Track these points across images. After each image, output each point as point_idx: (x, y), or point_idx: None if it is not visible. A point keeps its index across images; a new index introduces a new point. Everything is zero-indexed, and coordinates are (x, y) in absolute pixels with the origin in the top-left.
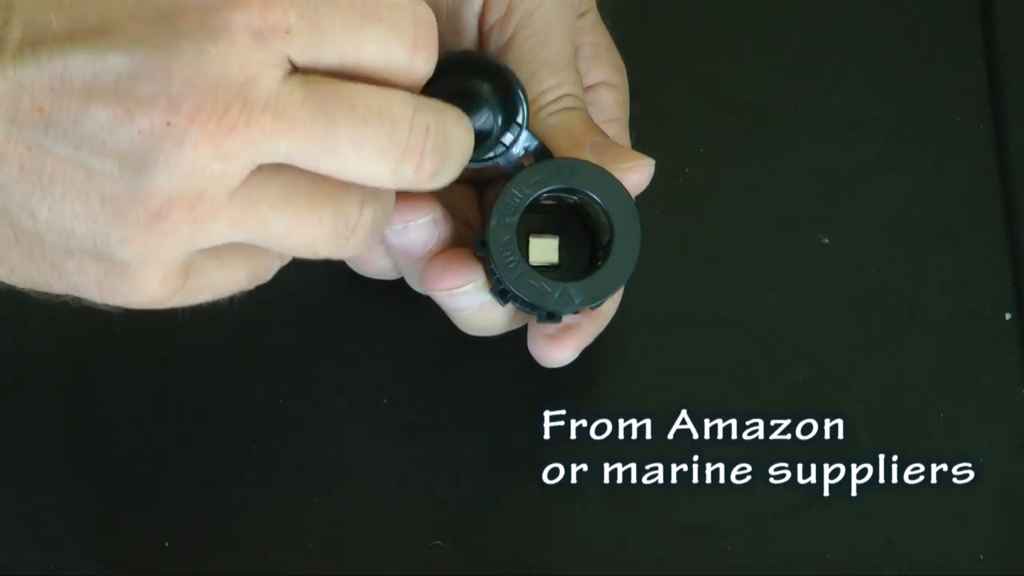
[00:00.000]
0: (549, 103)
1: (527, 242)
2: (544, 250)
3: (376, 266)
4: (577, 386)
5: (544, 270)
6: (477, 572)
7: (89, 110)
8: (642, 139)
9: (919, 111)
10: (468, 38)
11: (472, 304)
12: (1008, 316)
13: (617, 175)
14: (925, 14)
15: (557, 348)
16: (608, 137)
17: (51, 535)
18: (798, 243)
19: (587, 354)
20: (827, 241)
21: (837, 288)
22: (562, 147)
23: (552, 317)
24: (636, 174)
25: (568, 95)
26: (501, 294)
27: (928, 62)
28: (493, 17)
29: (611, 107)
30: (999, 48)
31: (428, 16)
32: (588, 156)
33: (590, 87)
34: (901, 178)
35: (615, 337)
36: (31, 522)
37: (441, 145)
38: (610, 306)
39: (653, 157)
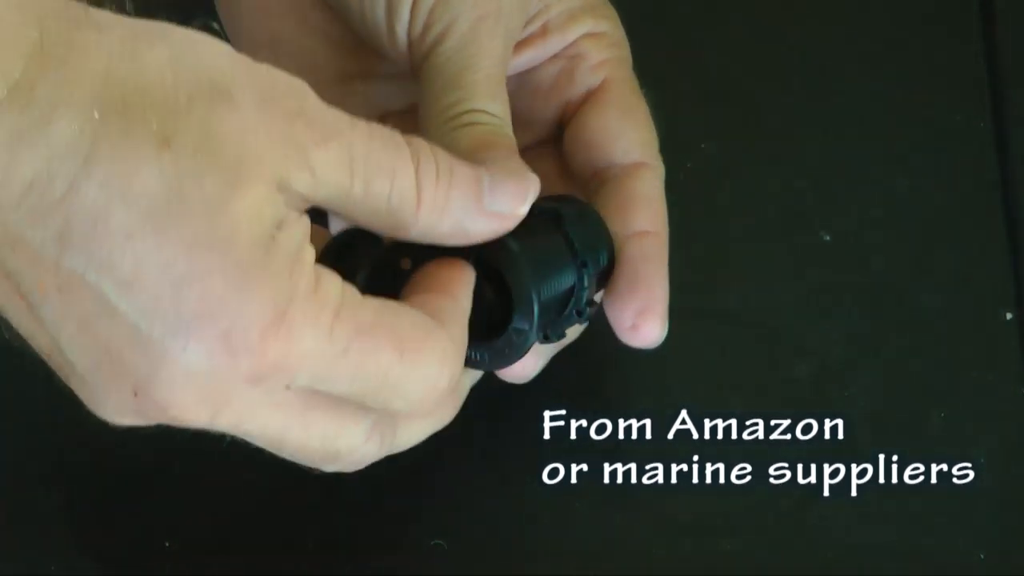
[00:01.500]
0: (448, 119)
1: None
2: None
3: None
4: (577, 386)
5: None
6: (477, 572)
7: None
8: None
9: (919, 111)
10: (400, 51)
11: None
12: (1008, 316)
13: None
14: (925, 14)
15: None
16: (504, 151)
17: (51, 535)
18: (799, 240)
19: (587, 354)
20: (828, 238)
21: (838, 286)
22: None
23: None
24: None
25: (472, 110)
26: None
27: (928, 62)
28: (416, 31)
29: (593, 52)
30: (999, 48)
31: (448, 382)
32: None
33: (571, 44)
34: (901, 177)
35: (615, 336)
36: (31, 522)
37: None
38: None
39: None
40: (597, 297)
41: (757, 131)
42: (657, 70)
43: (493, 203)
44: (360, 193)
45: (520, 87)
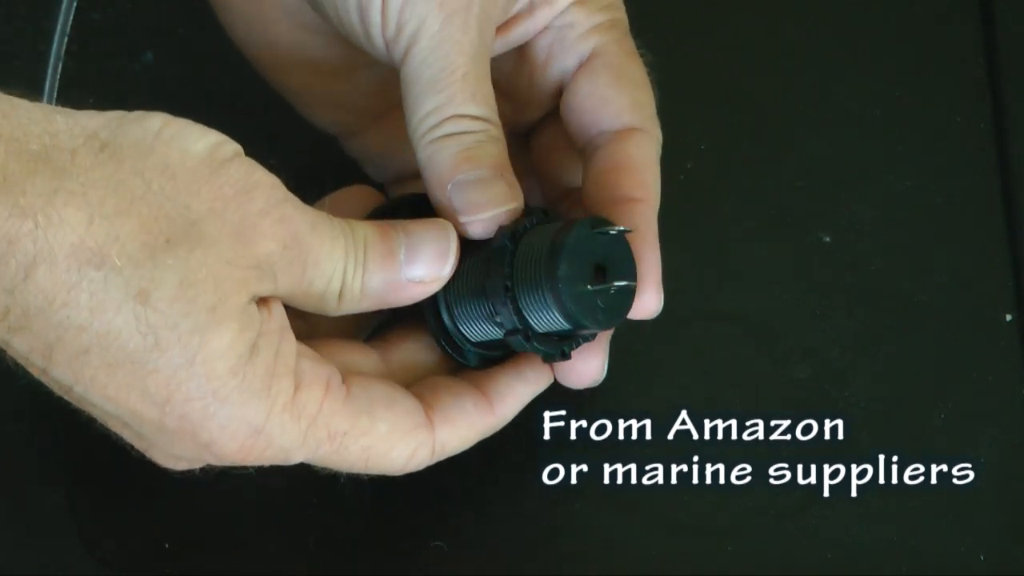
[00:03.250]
0: (427, 131)
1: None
2: None
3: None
4: None
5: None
6: (477, 572)
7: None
8: None
9: (919, 111)
10: (381, 54)
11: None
12: (1008, 316)
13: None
14: (925, 14)
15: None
16: (484, 172)
17: (51, 535)
18: (799, 241)
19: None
20: (828, 239)
21: (838, 286)
22: (429, 185)
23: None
24: (475, 228)
25: (452, 117)
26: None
27: (928, 62)
28: (389, 34)
29: (582, 19)
30: (999, 48)
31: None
32: (450, 198)
33: (560, 13)
34: (901, 177)
35: (615, 336)
36: (31, 522)
37: None
38: None
39: None
40: None
41: (757, 131)
42: (657, 70)
43: (412, 272)
44: (302, 291)
45: (518, 63)
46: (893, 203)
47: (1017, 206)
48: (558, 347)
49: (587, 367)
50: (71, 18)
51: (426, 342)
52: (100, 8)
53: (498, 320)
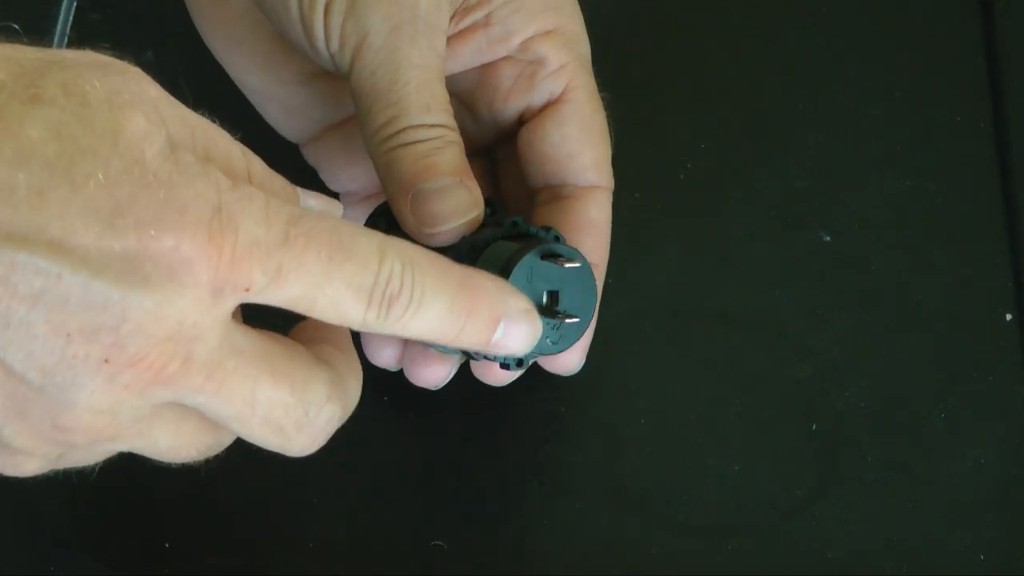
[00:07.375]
0: (382, 141)
1: None
2: None
3: (382, 356)
4: (577, 386)
5: None
6: (477, 572)
7: (27, 319)
8: (644, 134)
9: (919, 111)
10: (328, 65)
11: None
12: (1008, 316)
13: None
14: (925, 14)
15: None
16: (444, 181)
17: (51, 535)
18: (799, 240)
19: (587, 352)
20: (828, 239)
21: (838, 286)
22: (389, 195)
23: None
24: (437, 239)
25: (407, 128)
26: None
27: (928, 62)
28: (333, 47)
29: (552, 55)
30: (999, 48)
31: (391, 271)
32: (410, 206)
33: (522, 44)
34: (901, 177)
35: (615, 335)
36: (31, 522)
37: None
38: None
39: (655, 152)
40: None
41: (757, 131)
42: (657, 70)
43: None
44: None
45: (480, 85)
46: (893, 202)
47: (1017, 206)
48: (513, 357)
49: (567, 358)
50: (71, 18)
51: None
52: (100, 8)
53: None
